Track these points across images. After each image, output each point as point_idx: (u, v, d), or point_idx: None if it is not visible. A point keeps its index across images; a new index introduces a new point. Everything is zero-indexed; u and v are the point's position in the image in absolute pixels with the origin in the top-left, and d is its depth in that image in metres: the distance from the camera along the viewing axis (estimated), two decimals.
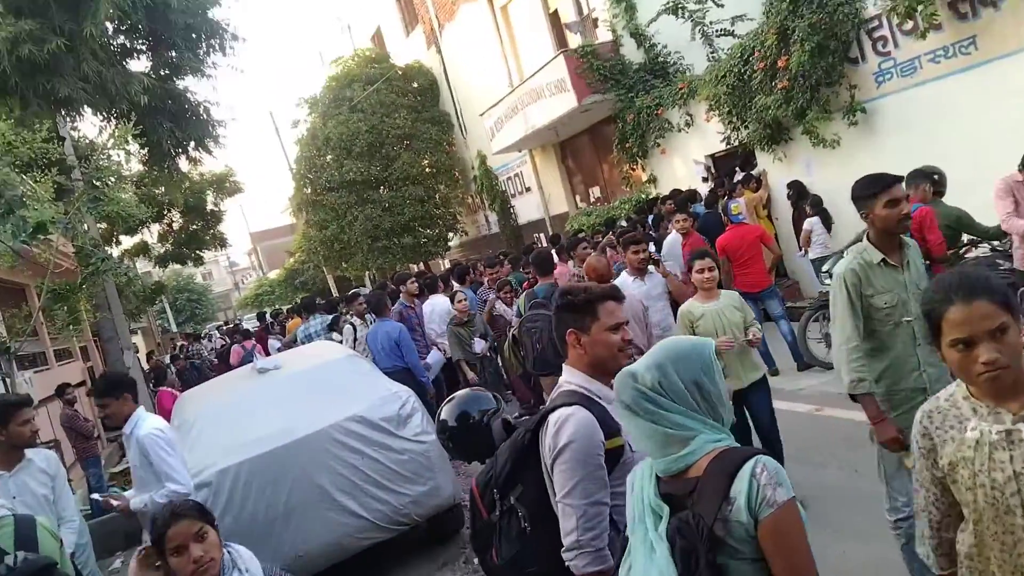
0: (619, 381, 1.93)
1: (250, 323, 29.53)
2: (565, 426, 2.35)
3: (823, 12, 9.25)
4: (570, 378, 2.59)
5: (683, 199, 10.95)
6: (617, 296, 2.57)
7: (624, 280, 6.26)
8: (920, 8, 8.06)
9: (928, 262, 5.29)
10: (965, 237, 6.54)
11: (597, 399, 2.44)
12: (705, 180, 12.62)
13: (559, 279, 7.48)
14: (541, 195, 19.23)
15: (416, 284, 9.49)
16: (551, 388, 6.95)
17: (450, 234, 22.90)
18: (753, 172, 11.82)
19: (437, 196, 22.16)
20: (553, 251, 11.17)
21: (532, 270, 7.82)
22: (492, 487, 2.61)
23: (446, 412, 3.99)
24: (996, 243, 6.56)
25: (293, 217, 36.26)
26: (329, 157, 21.68)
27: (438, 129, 22.05)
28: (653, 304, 6.07)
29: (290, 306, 22.67)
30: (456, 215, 22.74)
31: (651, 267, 6.42)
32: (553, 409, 2.44)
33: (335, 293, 27.34)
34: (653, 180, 14.39)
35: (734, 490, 1.76)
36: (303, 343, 10.31)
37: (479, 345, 8.64)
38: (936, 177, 6.33)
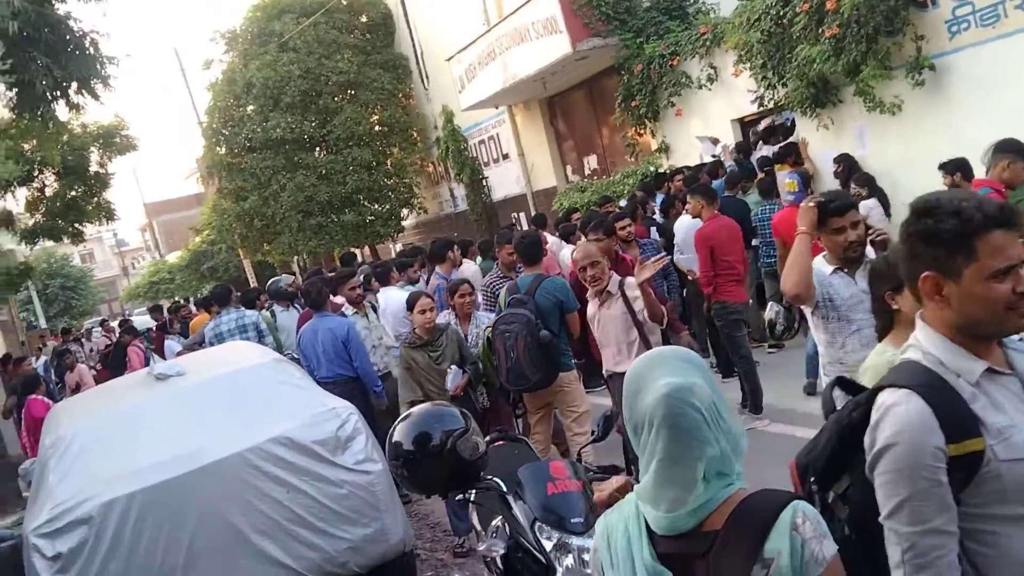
0: (670, 394, 1.80)
1: (141, 319, 29.17)
2: (885, 420, 2.12)
3: None
4: (922, 340, 2.25)
5: (692, 176, 11.04)
6: (1010, 222, 2.13)
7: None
8: None
9: None
10: None
11: (954, 379, 2.15)
12: (715, 157, 12.64)
13: (550, 267, 7.48)
14: (522, 164, 19.25)
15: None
16: (536, 405, 6.92)
17: (404, 211, 22.87)
18: (790, 140, 11.90)
19: (389, 162, 22.14)
20: (554, 234, 11.26)
21: (516, 257, 7.79)
22: (810, 474, 2.42)
23: (400, 433, 3.97)
24: None
25: (201, 184, 36.02)
26: (251, 108, 21.56)
27: (392, 77, 22.02)
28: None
29: (194, 298, 22.47)
30: (413, 187, 22.71)
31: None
32: (883, 387, 2.18)
33: (254, 283, 27.16)
34: (665, 149, 14.45)
35: (770, 548, 1.75)
36: (212, 344, 10.21)
37: (452, 379, 6.78)
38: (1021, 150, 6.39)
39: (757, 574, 1.73)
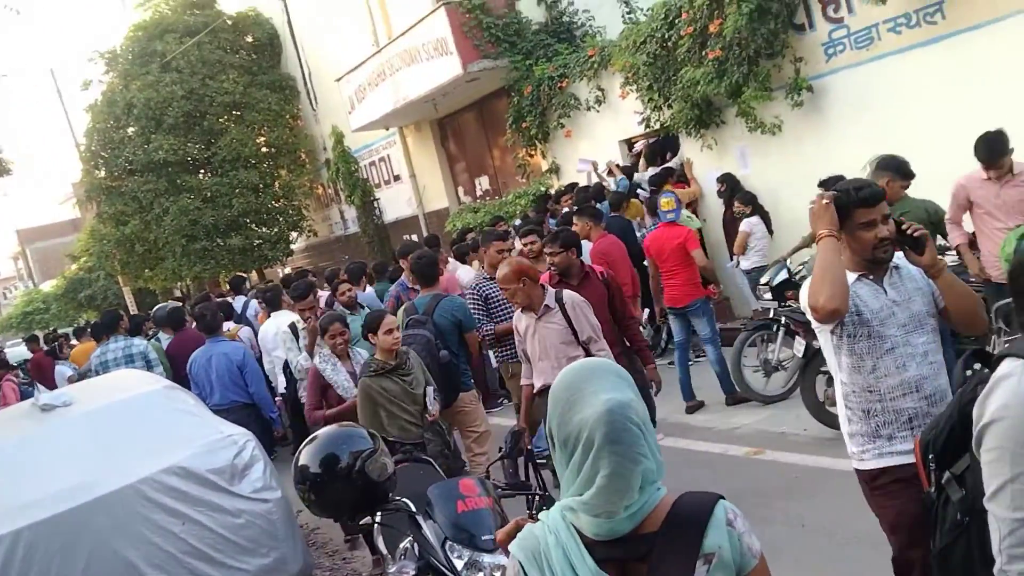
0: (613, 410, 1.79)
1: (15, 351, 27.89)
2: (995, 392, 1.97)
3: None
4: None
5: (581, 198, 11.22)
6: None
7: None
8: None
9: None
10: (940, 239, 6.95)
11: None
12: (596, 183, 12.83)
13: (449, 287, 7.46)
14: (414, 185, 19.23)
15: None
16: (452, 418, 6.85)
17: (293, 234, 22.58)
18: (672, 164, 12.23)
19: (277, 184, 21.85)
20: (449, 255, 11.23)
21: (412, 278, 7.77)
22: (930, 451, 2.29)
23: (307, 456, 3.91)
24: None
25: (78, 210, 34.73)
26: (131, 130, 21.01)
27: (279, 97, 21.80)
28: None
29: (72, 327, 21.59)
30: (302, 209, 22.45)
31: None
32: (1005, 356, 2.01)
33: (134, 311, 26.30)
34: (555, 169, 14.65)
35: (710, 544, 1.79)
36: (97, 373, 9.86)
37: (431, 401, 6.08)
38: (903, 169, 6.67)
39: (699, 570, 1.77)
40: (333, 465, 3.81)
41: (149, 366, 10.04)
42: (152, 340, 11.15)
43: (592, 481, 1.77)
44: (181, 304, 15.37)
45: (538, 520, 1.93)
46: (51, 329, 28.54)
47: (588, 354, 5.46)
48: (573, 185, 12.93)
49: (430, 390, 5.97)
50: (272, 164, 21.81)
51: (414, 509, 3.91)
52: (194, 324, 9.95)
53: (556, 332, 5.54)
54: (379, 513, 4.01)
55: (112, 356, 10.17)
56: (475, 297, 7.23)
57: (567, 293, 5.69)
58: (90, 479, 5.17)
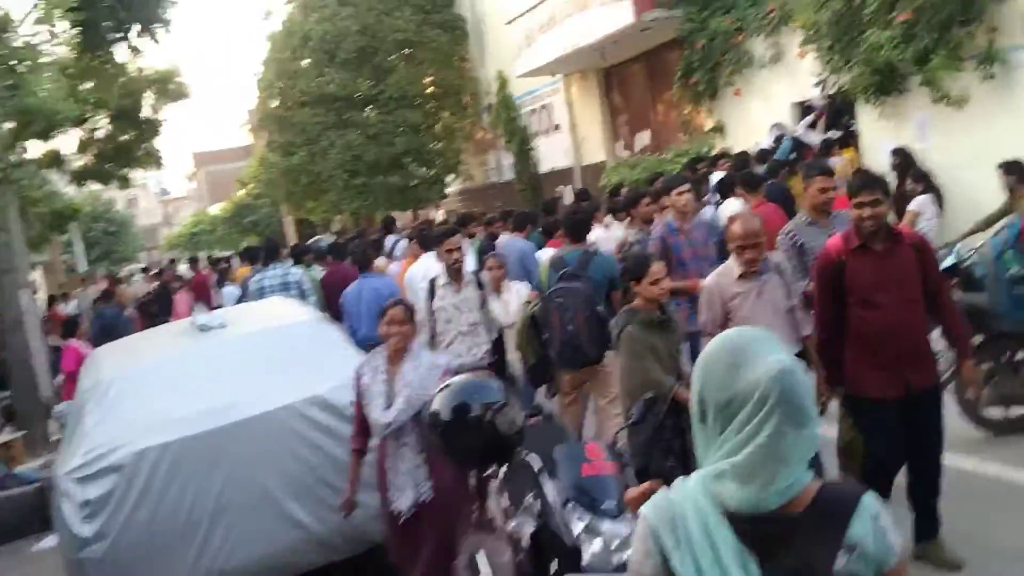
0: (786, 371, 1.80)
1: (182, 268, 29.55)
2: None
3: None
4: None
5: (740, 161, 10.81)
6: None
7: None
8: None
9: None
10: None
11: None
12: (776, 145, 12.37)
13: (604, 243, 7.31)
14: (573, 136, 19.09)
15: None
16: (573, 385, 6.80)
17: (450, 176, 22.80)
18: (838, 133, 11.70)
19: (439, 126, 22.04)
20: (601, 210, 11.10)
21: (563, 232, 7.71)
22: None
23: (439, 402, 3.94)
24: None
25: (252, 136, 36.19)
26: (306, 62, 21.55)
27: (450, 38, 21.89)
28: None
29: (230, 253, 22.52)
30: (460, 152, 22.64)
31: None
32: None
33: (293, 240, 27.29)
34: (720, 129, 14.25)
35: (853, 534, 1.78)
36: (253, 298, 10.27)
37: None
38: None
39: (840, 559, 1.76)
40: (464, 414, 3.83)
41: (303, 295, 10.38)
42: (308, 270, 11.53)
43: (751, 440, 1.77)
44: (338, 239, 15.83)
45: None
46: (211, 253, 29.89)
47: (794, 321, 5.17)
48: (741, 153, 12.48)
49: (685, 347, 5.48)
50: (436, 105, 21.98)
51: (540, 466, 3.89)
52: (348, 259, 10.23)
53: (782, 295, 5.13)
54: (505, 466, 4.01)
55: (269, 283, 10.55)
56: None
57: (772, 254, 5.27)
58: (236, 401, 5.31)
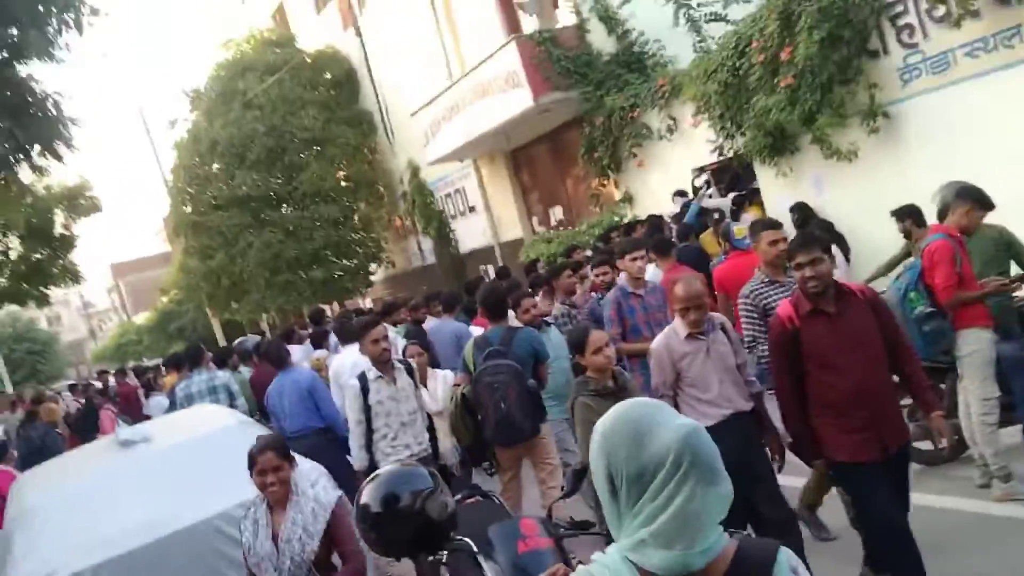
0: (695, 432, 1.84)
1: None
2: None
3: None
4: None
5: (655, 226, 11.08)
6: None
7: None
8: None
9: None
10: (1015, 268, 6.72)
11: None
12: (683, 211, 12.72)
13: (527, 315, 7.34)
14: (489, 216, 19.36)
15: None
16: (511, 461, 6.82)
17: (372, 265, 22.87)
18: (743, 192, 12.10)
19: (356, 217, 22.20)
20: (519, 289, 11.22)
21: (481, 312, 7.81)
22: None
23: (368, 495, 3.95)
24: None
25: (168, 244, 35.81)
26: (216, 166, 21.59)
27: (357, 132, 22.21)
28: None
29: (159, 360, 22.13)
30: (381, 241, 22.75)
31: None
32: None
33: (222, 342, 26.92)
34: (628, 199, 14.61)
35: None
36: (181, 406, 10.11)
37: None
38: (983, 199, 6.44)
39: None
40: (393, 504, 3.84)
41: (232, 398, 10.26)
42: (235, 372, 11.41)
43: (669, 505, 1.77)
44: (262, 338, 15.69)
45: (593, 562, 1.89)
46: (134, 364, 29.32)
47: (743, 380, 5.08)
48: (652, 217, 12.80)
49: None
50: (351, 198, 22.19)
51: (475, 549, 3.92)
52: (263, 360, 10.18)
53: (728, 352, 5.03)
54: (442, 552, 4.02)
55: (196, 389, 10.41)
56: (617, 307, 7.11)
57: (713, 315, 5.19)
58: (166, 514, 5.23)
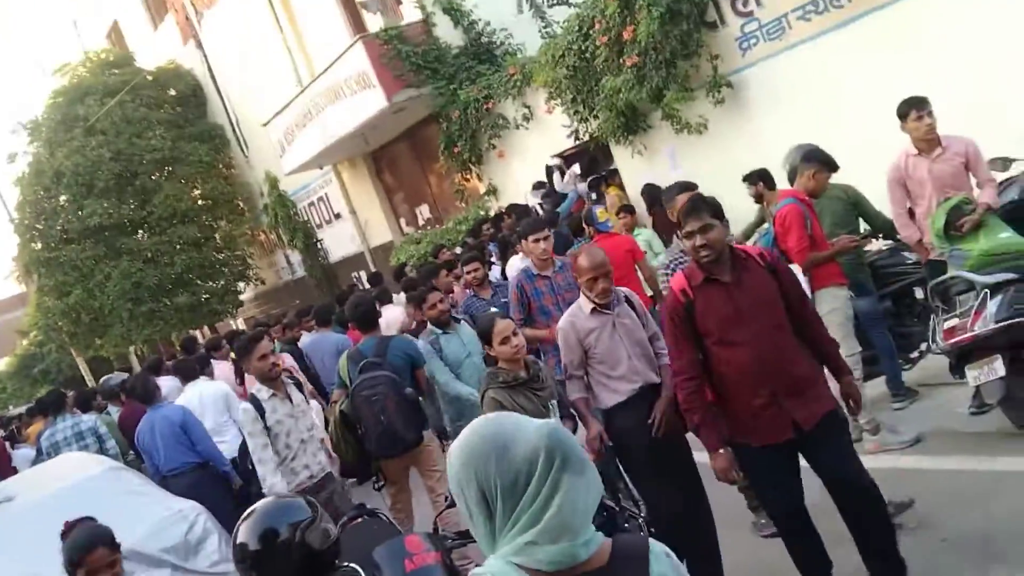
0: (557, 429, 1.88)
1: None
2: None
3: None
4: None
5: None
6: None
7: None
8: None
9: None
10: (863, 225, 6.96)
11: None
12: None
13: (393, 326, 7.26)
14: (355, 222, 19.13)
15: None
16: (398, 474, 6.68)
17: (240, 284, 22.34)
18: (602, 175, 12.26)
19: (218, 236, 21.65)
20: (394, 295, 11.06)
21: (352, 324, 7.67)
22: None
23: (244, 532, 3.77)
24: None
25: (20, 284, 34.10)
26: (63, 198, 20.70)
27: (209, 148, 21.68)
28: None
29: (28, 405, 21.09)
30: (246, 258, 22.24)
31: None
32: None
33: (90, 381, 25.85)
34: (493, 191, 14.63)
35: (657, 572, 1.89)
36: (48, 455, 9.61)
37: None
38: (828, 160, 6.63)
39: None
40: (272, 539, 3.67)
41: (101, 442, 9.81)
42: (103, 414, 10.91)
43: (550, 502, 1.80)
44: (129, 374, 15.08)
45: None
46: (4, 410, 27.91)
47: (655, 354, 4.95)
48: (515, 206, 12.85)
49: (554, 404, 4.94)
50: (210, 216, 21.63)
51: (362, 574, 3.79)
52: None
53: (636, 328, 4.90)
54: None
55: (62, 436, 9.90)
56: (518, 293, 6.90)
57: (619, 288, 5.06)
58: (39, 573, 4.98)
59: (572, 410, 5.02)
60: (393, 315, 9.78)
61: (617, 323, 4.84)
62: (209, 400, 8.85)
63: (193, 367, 9.78)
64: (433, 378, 6.73)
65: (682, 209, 4.11)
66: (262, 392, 5.87)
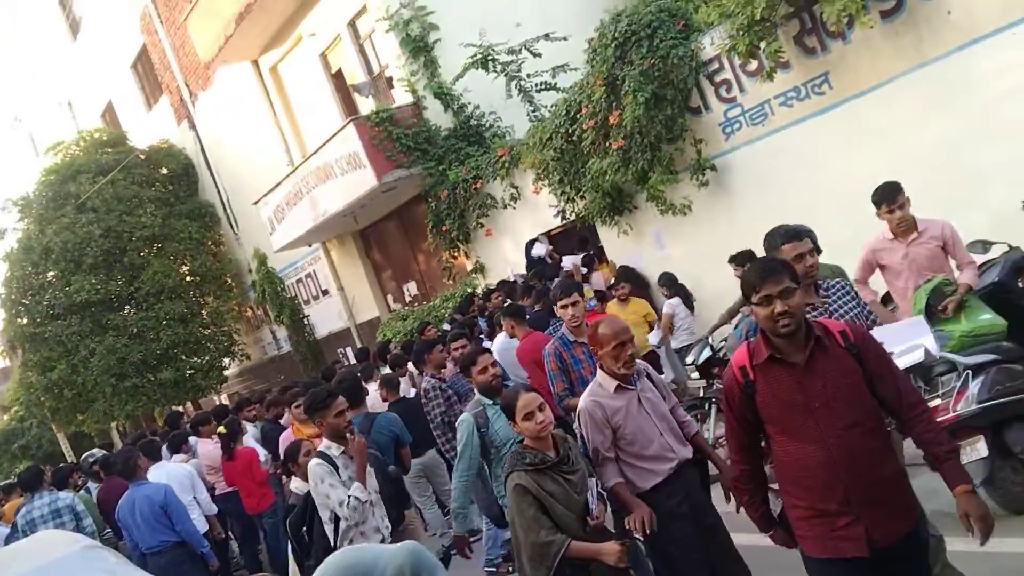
0: (409, 550, 1.99)
1: None
2: None
3: (655, 56, 9.96)
4: None
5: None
6: None
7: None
8: (763, 45, 8.86)
9: None
10: None
11: None
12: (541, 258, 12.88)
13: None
14: (343, 298, 19.11)
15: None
16: (396, 538, 6.52)
17: (226, 360, 22.19)
18: (592, 252, 12.34)
19: (204, 312, 21.55)
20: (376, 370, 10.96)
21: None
22: None
23: None
24: None
25: (5, 359, 33.83)
26: (52, 274, 20.61)
27: (199, 225, 21.76)
28: None
29: (6, 482, 20.73)
30: (232, 334, 22.14)
31: None
32: None
33: (71, 457, 25.46)
34: (480, 268, 14.67)
35: None
36: (24, 533, 9.40)
37: (594, 499, 4.52)
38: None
39: None
40: None
41: (78, 519, 9.61)
42: (81, 491, 10.73)
43: None
44: (111, 450, 14.88)
45: None
46: None
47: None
48: (504, 283, 12.88)
49: (593, 483, 4.44)
50: (198, 292, 21.57)
51: None
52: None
53: (659, 402, 4.61)
54: None
55: (39, 513, 9.71)
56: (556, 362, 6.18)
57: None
58: None
59: (608, 496, 4.52)
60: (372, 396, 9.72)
61: (643, 398, 4.54)
62: (175, 481, 8.77)
63: (157, 448, 9.72)
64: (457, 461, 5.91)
65: (755, 271, 3.40)
66: (332, 449, 5.48)
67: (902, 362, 4.08)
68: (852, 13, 7.86)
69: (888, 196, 6.37)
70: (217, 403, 21.63)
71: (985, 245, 7.04)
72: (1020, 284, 6.72)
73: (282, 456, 7.57)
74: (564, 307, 6.21)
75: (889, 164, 8.30)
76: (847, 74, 8.83)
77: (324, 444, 5.53)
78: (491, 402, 5.70)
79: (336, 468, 5.33)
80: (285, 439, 8.79)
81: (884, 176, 6.63)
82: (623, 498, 4.45)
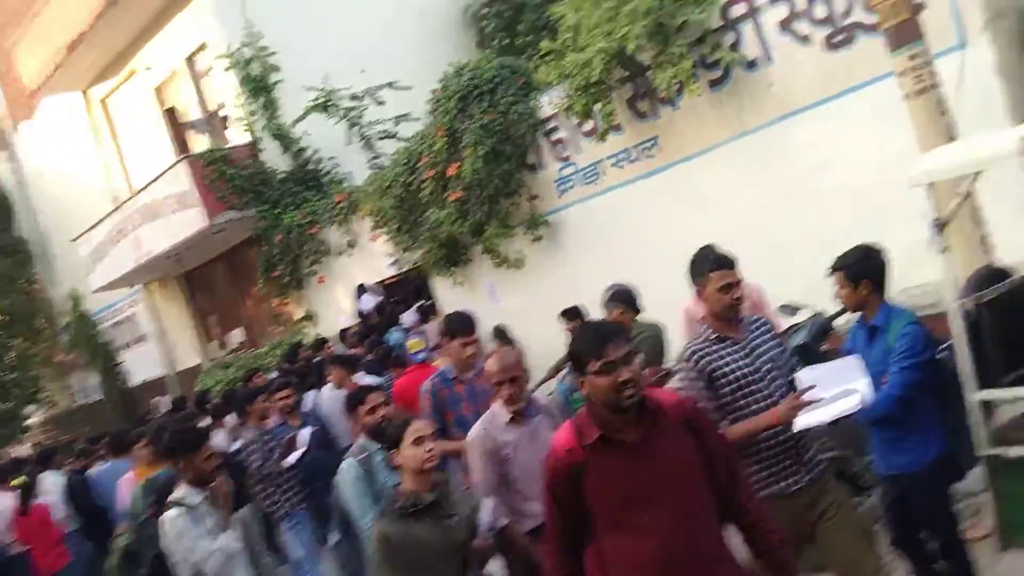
0: None
1: None
2: None
3: (495, 111, 10.16)
4: None
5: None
6: None
7: None
8: (597, 107, 9.17)
9: None
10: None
11: None
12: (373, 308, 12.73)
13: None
14: (162, 344, 18.37)
15: None
16: None
17: (30, 407, 20.87)
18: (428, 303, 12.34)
19: (11, 355, 20.26)
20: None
21: (151, 453, 7.23)
22: None
23: None
24: None
25: None
26: None
27: (13, 262, 20.68)
28: None
29: None
30: (37, 379, 20.93)
31: None
32: None
33: None
34: (311, 316, 14.42)
35: None
36: None
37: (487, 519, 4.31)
38: (632, 300, 6.96)
39: None
40: None
41: None
42: None
43: None
44: None
45: None
46: None
47: None
48: (346, 329, 12.59)
49: (488, 504, 4.10)
50: (5, 334, 20.36)
51: None
52: None
53: (544, 444, 3.98)
54: None
55: None
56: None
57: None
58: None
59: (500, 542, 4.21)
60: None
61: (537, 434, 4.28)
62: None
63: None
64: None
65: (588, 337, 3.00)
66: (192, 496, 4.81)
67: (834, 410, 3.69)
68: (683, 80, 8.23)
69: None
70: (14, 455, 20.25)
71: (793, 309, 7.46)
72: (823, 348, 7.14)
73: None
74: (465, 344, 5.74)
75: (710, 228, 8.67)
76: (675, 139, 9.17)
77: (181, 492, 4.85)
78: (377, 447, 4.94)
79: (198, 517, 4.75)
80: (127, 482, 8.16)
81: (703, 239, 6.92)
82: (514, 542, 4.26)
